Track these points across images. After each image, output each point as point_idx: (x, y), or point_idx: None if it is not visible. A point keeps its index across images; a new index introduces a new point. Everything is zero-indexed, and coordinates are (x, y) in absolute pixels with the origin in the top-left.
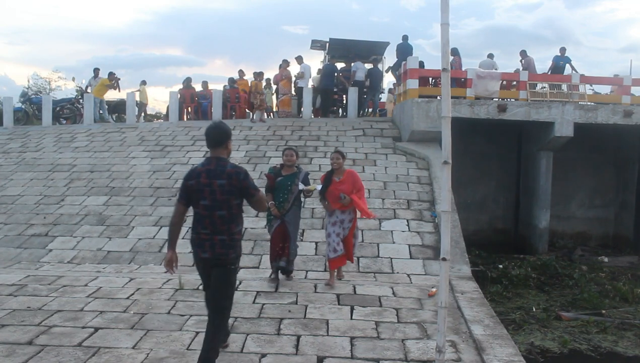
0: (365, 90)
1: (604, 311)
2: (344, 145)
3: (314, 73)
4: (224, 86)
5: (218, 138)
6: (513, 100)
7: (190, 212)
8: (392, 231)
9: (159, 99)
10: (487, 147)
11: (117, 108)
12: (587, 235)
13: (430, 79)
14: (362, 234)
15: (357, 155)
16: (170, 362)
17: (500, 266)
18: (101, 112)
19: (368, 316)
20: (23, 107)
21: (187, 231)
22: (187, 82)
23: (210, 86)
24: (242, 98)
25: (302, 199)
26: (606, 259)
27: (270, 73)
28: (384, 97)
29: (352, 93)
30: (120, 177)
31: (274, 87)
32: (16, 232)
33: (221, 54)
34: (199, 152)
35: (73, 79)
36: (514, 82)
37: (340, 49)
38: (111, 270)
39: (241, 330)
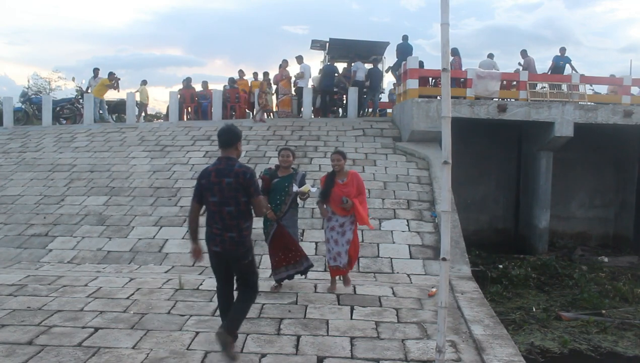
0: (365, 90)
1: (604, 311)
2: (344, 145)
3: (315, 73)
4: (224, 86)
5: (229, 139)
6: (513, 100)
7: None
8: (392, 231)
9: (159, 99)
10: (487, 147)
11: (117, 108)
12: (587, 235)
13: (430, 79)
14: (362, 234)
15: (357, 155)
16: (170, 362)
17: (500, 266)
18: (101, 112)
19: (368, 316)
20: (23, 107)
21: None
22: (187, 82)
23: (210, 86)
24: (242, 98)
25: (300, 203)
26: (606, 259)
27: (270, 73)
28: (384, 97)
29: (352, 93)
30: (120, 177)
31: (274, 87)
32: (16, 232)
33: (221, 54)
34: (199, 152)
35: (73, 79)
36: (514, 82)
37: (340, 49)
38: (111, 270)
39: (241, 330)
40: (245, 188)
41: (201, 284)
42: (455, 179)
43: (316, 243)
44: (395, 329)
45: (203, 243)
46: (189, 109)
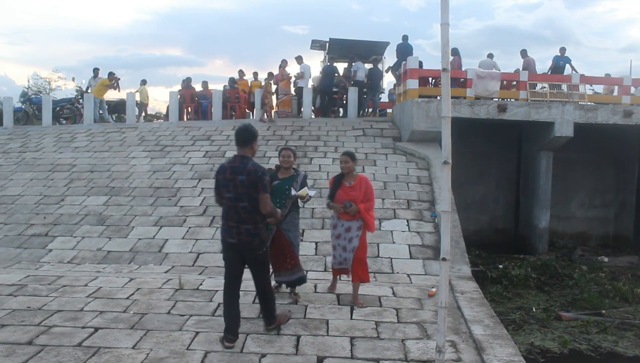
0: (365, 90)
1: (604, 311)
2: (344, 145)
3: (315, 73)
4: (224, 86)
5: (245, 138)
6: (513, 100)
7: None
8: (392, 231)
9: (159, 99)
10: (487, 147)
11: (117, 108)
12: (587, 235)
13: (430, 79)
14: None
15: (357, 155)
16: (170, 362)
17: (500, 266)
18: (101, 112)
19: (368, 316)
20: (23, 107)
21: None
22: (187, 82)
23: (210, 86)
24: (242, 98)
25: (301, 204)
26: (606, 259)
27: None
28: (384, 97)
29: (352, 93)
30: (120, 177)
31: (274, 87)
32: (16, 232)
33: (221, 54)
34: (199, 152)
35: (73, 79)
36: (514, 82)
37: (340, 49)
38: (111, 270)
39: (241, 330)
40: (255, 185)
41: (201, 284)
42: (455, 179)
43: (316, 243)
44: (395, 329)
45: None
46: (189, 109)
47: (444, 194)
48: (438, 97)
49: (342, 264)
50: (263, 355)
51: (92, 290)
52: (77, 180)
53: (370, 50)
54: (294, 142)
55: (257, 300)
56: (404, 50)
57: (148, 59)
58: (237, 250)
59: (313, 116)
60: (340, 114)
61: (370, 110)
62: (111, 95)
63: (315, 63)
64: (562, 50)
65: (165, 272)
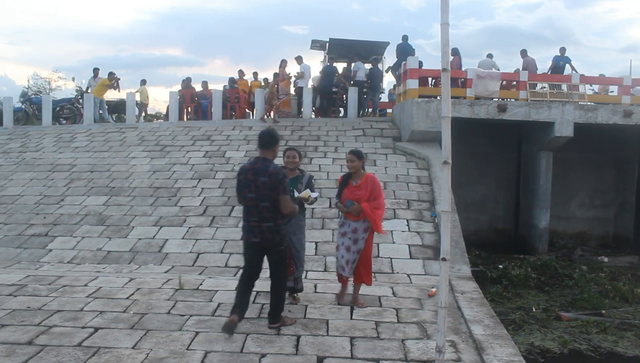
0: (365, 90)
1: (604, 311)
2: (344, 145)
3: (315, 73)
4: (224, 86)
5: (268, 141)
6: (513, 100)
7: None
8: (392, 231)
9: (159, 99)
10: (487, 147)
11: (117, 108)
12: (587, 235)
13: (430, 79)
14: None
15: None
16: (170, 362)
17: (500, 266)
18: (101, 112)
19: (368, 316)
20: (23, 107)
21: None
22: (187, 82)
23: (210, 86)
24: (242, 98)
25: (306, 206)
26: (606, 259)
27: (270, 73)
28: (384, 97)
29: (352, 93)
30: (120, 177)
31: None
32: (16, 232)
33: (221, 54)
34: (199, 152)
35: (73, 79)
36: (514, 82)
37: (340, 49)
38: (111, 270)
39: (241, 330)
40: (276, 187)
41: (201, 284)
42: (455, 179)
43: (316, 243)
44: (395, 329)
45: None
46: (189, 109)
47: (444, 194)
48: (438, 97)
49: (344, 270)
50: (263, 355)
51: (92, 290)
52: (77, 180)
53: (370, 50)
54: (294, 142)
55: (257, 300)
56: (404, 50)
57: (148, 59)
58: (260, 249)
59: (313, 116)
60: (341, 114)
61: (370, 110)
62: (111, 95)
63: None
64: (562, 50)
65: (165, 272)
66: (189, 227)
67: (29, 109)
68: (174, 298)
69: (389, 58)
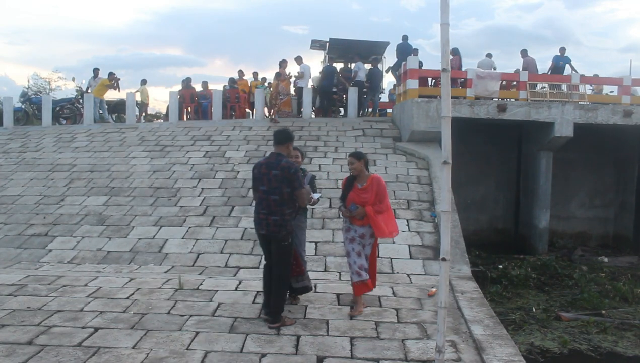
0: (365, 90)
1: (604, 311)
2: (344, 145)
3: (315, 73)
4: (224, 86)
5: (282, 138)
6: (513, 100)
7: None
8: None
9: (159, 99)
10: (487, 147)
11: (117, 108)
12: (587, 235)
13: (430, 79)
14: None
15: None
16: (170, 362)
17: (500, 266)
18: (101, 112)
19: (368, 316)
20: (23, 107)
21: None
22: (187, 82)
23: (210, 86)
24: (242, 98)
25: (308, 207)
26: (606, 259)
27: (270, 73)
28: (384, 97)
29: (352, 93)
30: (120, 177)
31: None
32: (16, 232)
33: (221, 54)
34: (199, 152)
35: (73, 79)
36: (514, 82)
37: (340, 49)
38: (111, 270)
39: (241, 330)
40: (289, 181)
41: (201, 284)
42: (455, 179)
43: (316, 243)
44: (395, 329)
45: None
46: (189, 109)
47: (444, 194)
48: (438, 97)
49: (360, 275)
50: (263, 355)
51: (92, 290)
52: (77, 180)
53: (370, 50)
54: (294, 142)
55: (257, 300)
56: (404, 50)
57: (148, 59)
58: (266, 240)
59: (313, 116)
60: (341, 114)
61: (370, 110)
62: (111, 95)
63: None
64: (562, 50)
65: (165, 272)
66: (189, 227)
67: (29, 109)
68: (174, 298)
69: (389, 58)
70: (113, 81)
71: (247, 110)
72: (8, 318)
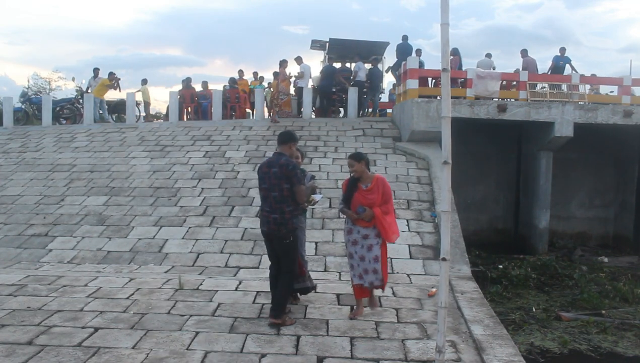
0: (365, 90)
1: (604, 311)
2: (344, 145)
3: (315, 73)
4: (224, 86)
5: (285, 138)
6: (513, 100)
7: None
8: None
9: (159, 99)
10: (487, 147)
11: (117, 108)
12: (587, 235)
13: (430, 79)
14: None
15: None
16: (170, 362)
17: (500, 266)
18: (101, 112)
19: (368, 316)
20: (23, 107)
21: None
22: (187, 82)
23: (210, 86)
24: (242, 98)
25: (308, 207)
26: (606, 259)
27: (270, 73)
28: (384, 97)
29: (352, 93)
30: (120, 177)
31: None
32: (16, 232)
33: (221, 54)
34: (199, 152)
35: (73, 79)
36: (514, 82)
37: (340, 49)
38: (111, 270)
39: (241, 330)
40: (288, 177)
41: (201, 284)
42: (455, 179)
43: (316, 243)
44: (395, 329)
45: None
46: (189, 109)
47: (444, 194)
48: (438, 97)
49: (362, 278)
50: (263, 355)
51: (92, 290)
52: (77, 180)
53: (370, 50)
54: None
55: (257, 300)
56: (404, 50)
57: (148, 59)
58: (269, 238)
59: (313, 116)
60: (341, 114)
61: (370, 110)
62: (111, 95)
63: (315, 63)
64: (562, 50)
65: (165, 272)
66: (189, 227)
67: (29, 109)
68: (174, 298)
69: (389, 58)
70: (113, 81)
71: (247, 110)
72: (8, 318)
